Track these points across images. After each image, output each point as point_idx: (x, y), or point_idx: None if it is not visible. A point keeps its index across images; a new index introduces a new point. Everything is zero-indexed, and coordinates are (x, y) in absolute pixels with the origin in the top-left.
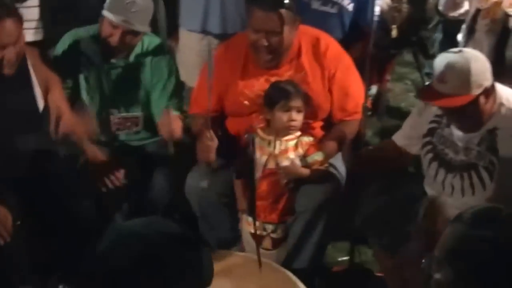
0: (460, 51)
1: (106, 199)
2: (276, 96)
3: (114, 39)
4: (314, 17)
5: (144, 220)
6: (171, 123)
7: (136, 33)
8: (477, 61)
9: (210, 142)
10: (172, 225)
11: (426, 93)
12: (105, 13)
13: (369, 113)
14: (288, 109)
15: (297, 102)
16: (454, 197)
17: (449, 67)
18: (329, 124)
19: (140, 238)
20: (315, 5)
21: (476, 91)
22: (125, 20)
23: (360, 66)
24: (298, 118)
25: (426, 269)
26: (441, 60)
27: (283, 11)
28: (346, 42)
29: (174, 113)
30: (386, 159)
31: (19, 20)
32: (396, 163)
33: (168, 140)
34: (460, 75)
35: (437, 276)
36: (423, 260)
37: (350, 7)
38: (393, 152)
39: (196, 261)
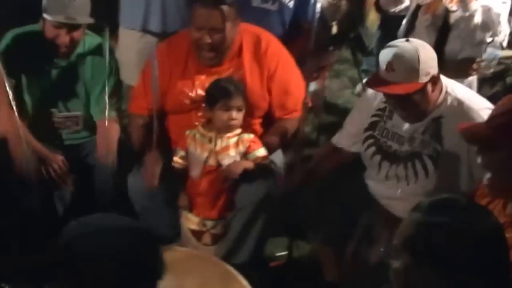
0: (407, 40)
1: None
2: (217, 95)
3: (63, 39)
4: (255, 15)
5: (104, 215)
6: (107, 135)
7: (80, 27)
8: (425, 49)
9: (155, 166)
10: (131, 220)
11: (374, 81)
12: (45, 16)
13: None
14: (228, 108)
15: (237, 102)
16: (398, 187)
17: (398, 55)
18: (268, 120)
19: (105, 232)
20: (256, 2)
21: (424, 79)
22: (67, 17)
23: (300, 63)
24: (238, 116)
25: (384, 258)
26: (389, 50)
27: (225, 7)
28: (286, 39)
29: (111, 120)
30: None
31: None
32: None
33: (102, 156)
34: (409, 62)
35: (396, 264)
36: (381, 249)
37: (291, 4)
38: (332, 158)
39: (155, 253)
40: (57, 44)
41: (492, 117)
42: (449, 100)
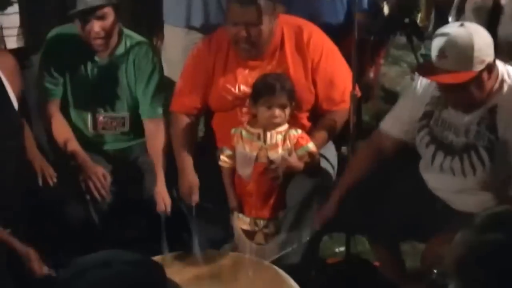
0: (462, 24)
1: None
2: (260, 91)
3: (95, 30)
4: (307, 5)
5: (106, 251)
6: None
7: (110, 20)
8: (480, 35)
9: (193, 184)
10: (134, 254)
11: (425, 69)
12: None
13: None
14: (270, 106)
15: (280, 99)
16: (455, 180)
17: (451, 41)
18: (316, 114)
19: (105, 265)
20: None
21: (479, 67)
22: (85, 2)
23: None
24: (281, 114)
25: (439, 280)
26: (442, 34)
27: (261, 1)
28: (341, 31)
29: (158, 119)
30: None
31: None
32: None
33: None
34: (462, 49)
35: (450, 287)
36: (435, 271)
37: None
38: (380, 144)
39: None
40: (93, 39)
41: None
42: (505, 88)
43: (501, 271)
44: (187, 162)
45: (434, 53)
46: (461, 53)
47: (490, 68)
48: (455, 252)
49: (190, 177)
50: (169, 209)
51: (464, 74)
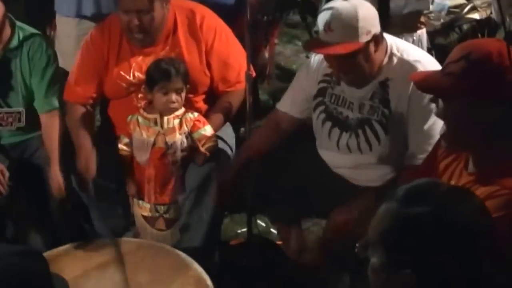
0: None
1: None
2: (155, 77)
3: None
4: None
5: None
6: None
7: None
8: (364, 7)
9: (90, 158)
10: (20, 246)
11: (313, 44)
12: None
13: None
14: (167, 91)
15: (176, 84)
16: (352, 157)
17: (335, 15)
18: (212, 96)
19: None
20: None
21: (364, 38)
22: None
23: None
24: (177, 99)
25: (361, 253)
26: (327, 10)
27: None
28: (233, 13)
29: (54, 113)
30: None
31: None
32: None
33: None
34: (347, 21)
35: (373, 260)
36: (357, 244)
37: None
38: (278, 124)
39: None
40: None
41: (446, 65)
42: (394, 61)
43: (425, 242)
44: (84, 141)
45: (320, 27)
46: (346, 24)
47: (377, 40)
48: (379, 225)
49: (87, 151)
50: (63, 191)
51: (350, 44)
